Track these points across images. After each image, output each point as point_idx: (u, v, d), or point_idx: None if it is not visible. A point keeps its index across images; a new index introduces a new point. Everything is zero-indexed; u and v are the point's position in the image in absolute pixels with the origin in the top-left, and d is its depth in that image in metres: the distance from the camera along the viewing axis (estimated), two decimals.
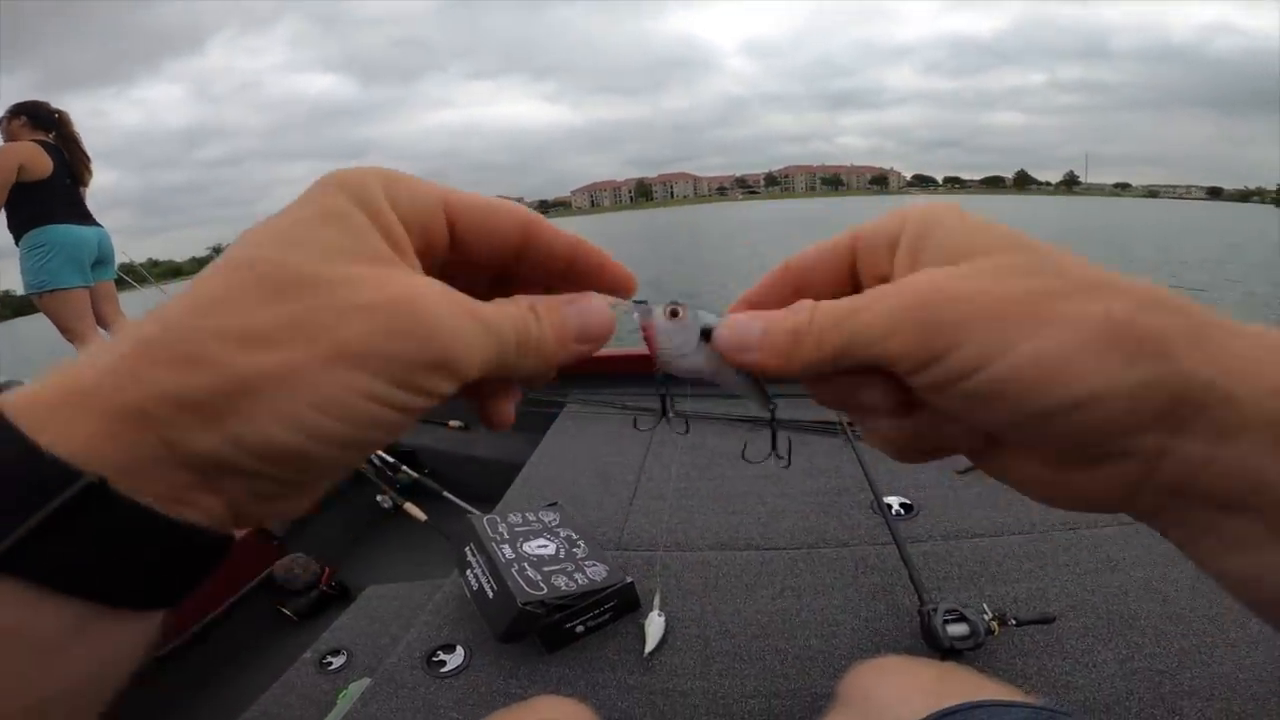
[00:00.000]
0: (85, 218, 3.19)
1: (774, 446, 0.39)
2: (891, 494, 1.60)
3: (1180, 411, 0.20)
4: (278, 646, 1.82)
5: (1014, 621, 1.01)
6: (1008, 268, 0.23)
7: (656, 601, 1.29)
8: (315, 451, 0.21)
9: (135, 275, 3.78)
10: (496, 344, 0.24)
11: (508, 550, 1.28)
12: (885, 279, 0.26)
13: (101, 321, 3.29)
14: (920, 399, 0.26)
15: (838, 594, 1.29)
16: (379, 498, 2.17)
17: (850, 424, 1.55)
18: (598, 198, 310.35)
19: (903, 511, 1.54)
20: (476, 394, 0.30)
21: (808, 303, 0.27)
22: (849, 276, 0.29)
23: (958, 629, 1.00)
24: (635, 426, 1.60)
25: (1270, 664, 1.00)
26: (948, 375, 0.23)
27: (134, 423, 0.19)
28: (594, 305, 0.28)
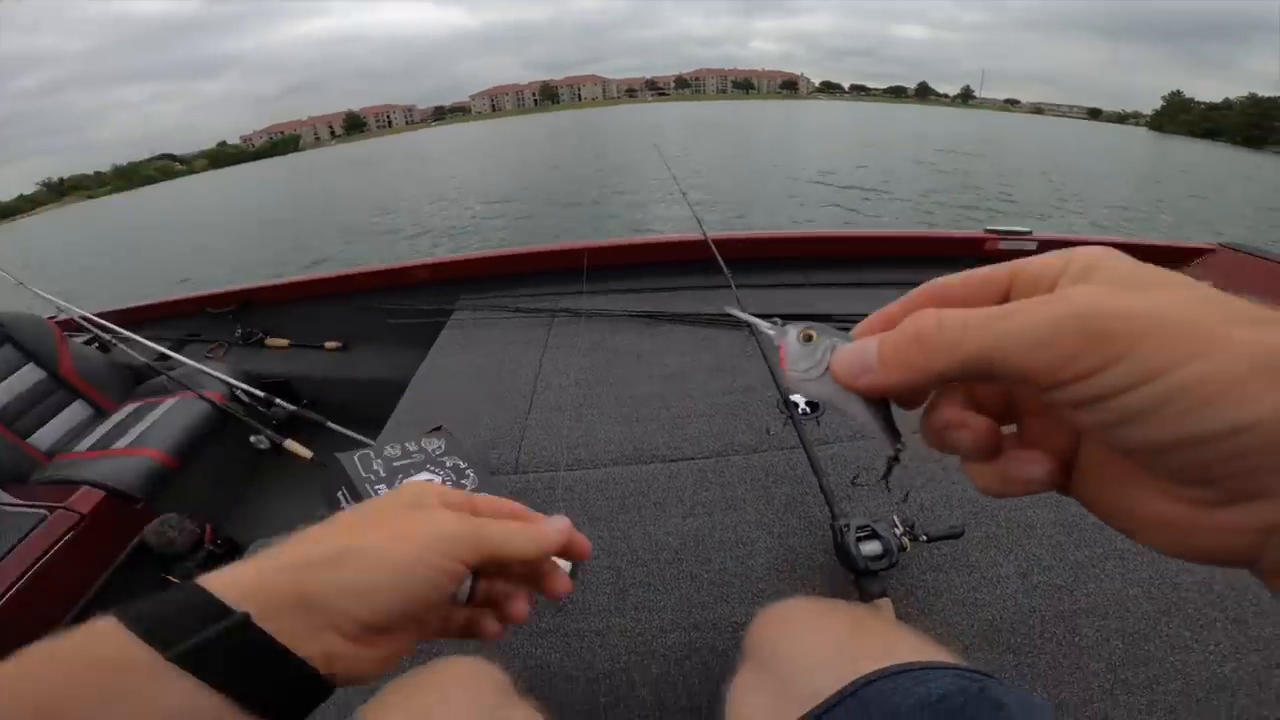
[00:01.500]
0: None
1: (887, 480, 0.37)
2: (797, 392, 1.51)
3: None
4: None
5: (925, 537, 0.99)
6: (1180, 293, 0.22)
7: None
8: (381, 590, 0.34)
9: None
10: (499, 528, 0.39)
11: (384, 491, 1.13)
12: None
13: None
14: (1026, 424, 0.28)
15: (750, 508, 1.24)
16: (253, 439, 1.90)
17: (754, 318, 1.42)
18: (499, 102, 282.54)
19: (809, 410, 1.47)
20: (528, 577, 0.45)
21: (931, 310, 0.25)
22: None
23: (871, 547, 0.97)
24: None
25: (1156, 580, 1.04)
26: (1100, 391, 0.21)
27: (280, 575, 0.33)
28: (556, 518, 0.44)
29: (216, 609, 0.30)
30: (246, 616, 0.30)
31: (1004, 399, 0.30)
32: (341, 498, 1.15)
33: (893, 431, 0.30)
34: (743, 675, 0.67)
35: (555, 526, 0.42)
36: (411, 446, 1.26)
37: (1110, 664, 0.92)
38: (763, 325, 0.33)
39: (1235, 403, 0.19)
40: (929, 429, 0.29)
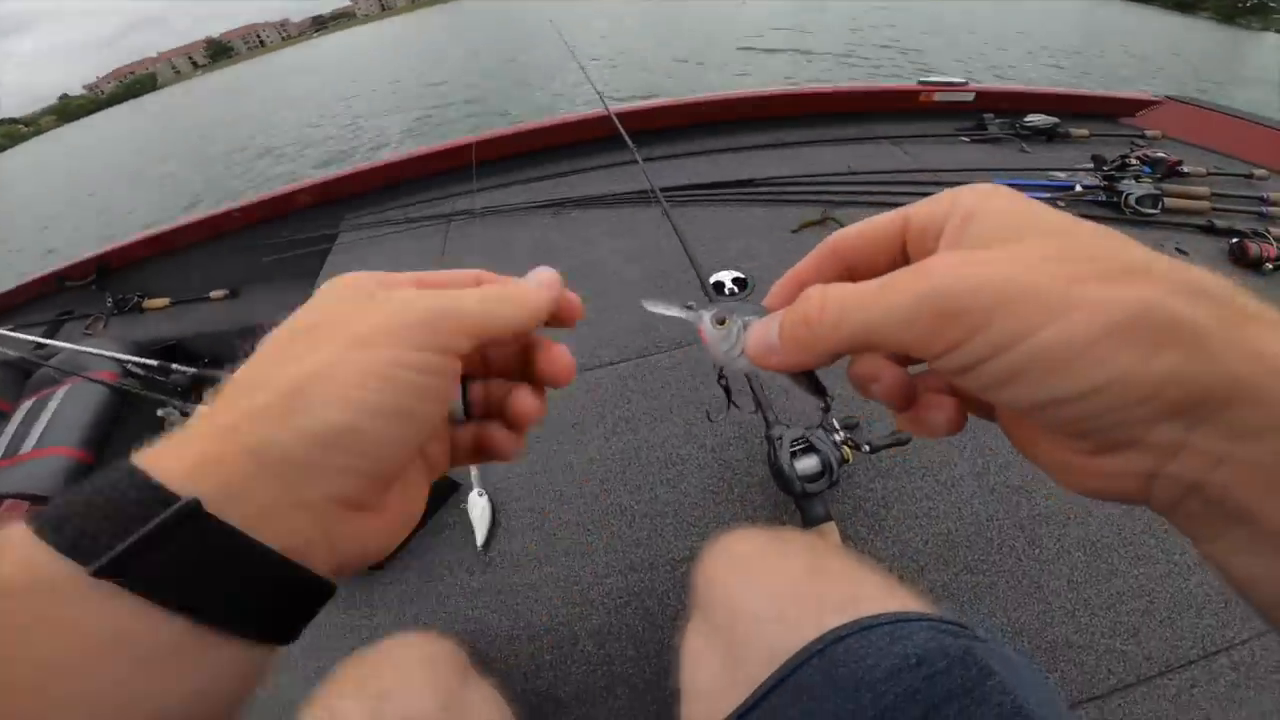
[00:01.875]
0: None
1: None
2: (721, 270, 1.41)
3: (1202, 406, 0.20)
4: None
5: (868, 448, 0.89)
6: (1038, 253, 0.22)
7: (474, 476, 1.08)
8: (366, 425, 0.25)
9: None
10: (479, 298, 0.29)
11: None
12: None
13: None
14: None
15: (677, 417, 1.14)
16: (160, 412, 1.70)
17: (661, 191, 1.31)
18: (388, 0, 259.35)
19: (737, 289, 1.37)
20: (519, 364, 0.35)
21: (818, 288, 0.27)
22: (901, 259, 0.29)
23: (807, 464, 0.87)
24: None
25: None
26: (965, 361, 0.22)
27: (227, 439, 0.23)
28: (539, 269, 0.33)
29: (157, 498, 0.22)
30: (195, 504, 0.22)
31: None
32: None
33: (818, 391, 0.33)
34: (692, 628, 0.61)
35: (540, 280, 0.32)
36: None
37: (1071, 580, 0.88)
38: (678, 313, 0.34)
39: (1087, 366, 0.20)
40: (851, 381, 0.30)
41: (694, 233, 1.23)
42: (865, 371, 0.29)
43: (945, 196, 0.27)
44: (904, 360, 0.29)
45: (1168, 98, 2.21)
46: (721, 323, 0.32)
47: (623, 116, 1.58)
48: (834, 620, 0.46)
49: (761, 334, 0.29)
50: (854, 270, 0.30)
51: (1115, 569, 0.89)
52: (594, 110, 1.90)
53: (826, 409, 0.35)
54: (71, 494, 0.22)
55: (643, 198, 1.74)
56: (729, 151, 2.02)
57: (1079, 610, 0.86)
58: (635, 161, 1.40)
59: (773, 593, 0.55)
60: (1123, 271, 0.21)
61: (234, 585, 0.23)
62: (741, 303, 0.32)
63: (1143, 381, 0.20)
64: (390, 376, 0.25)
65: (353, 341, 0.25)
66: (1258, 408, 0.19)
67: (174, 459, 0.23)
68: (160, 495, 0.22)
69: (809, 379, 0.32)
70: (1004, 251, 0.23)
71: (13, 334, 2.01)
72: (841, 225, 1.39)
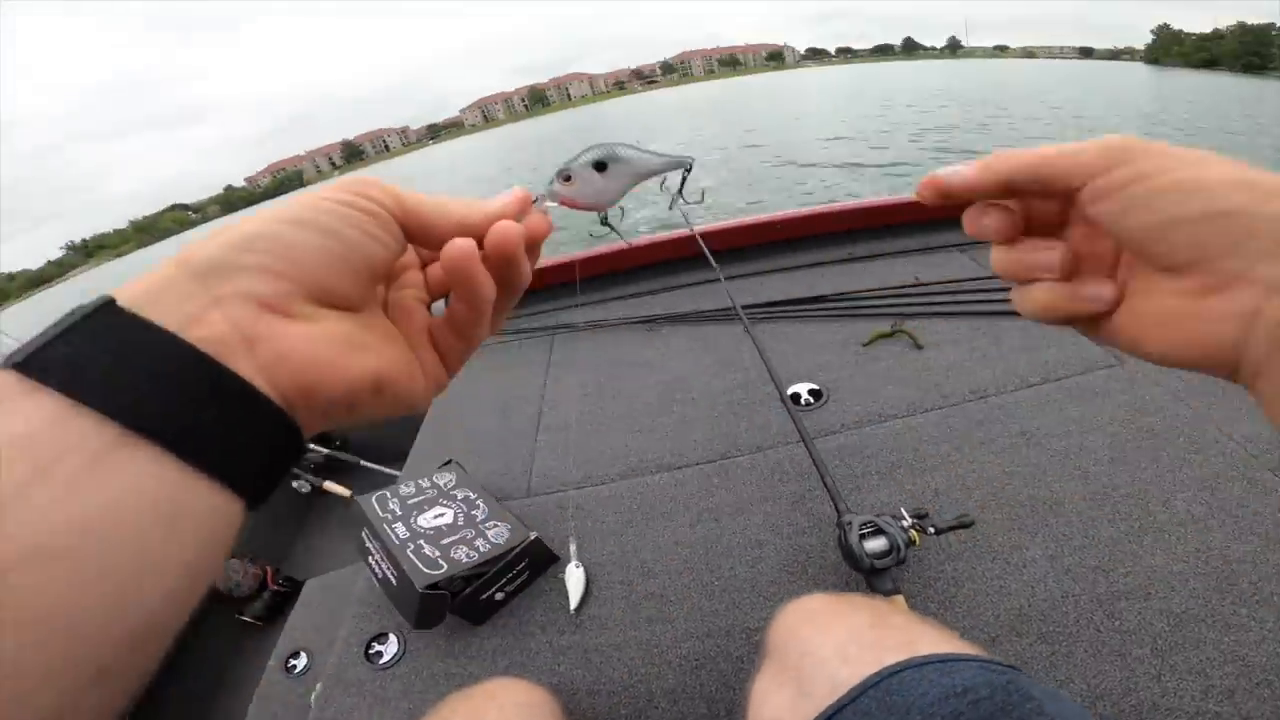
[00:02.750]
0: None
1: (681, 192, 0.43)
2: (798, 381, 1.53)
3: None
4: (249, 654, 1.70)
5: (933, 530, 0.96)
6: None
7: (573, 551, 1.21)
8: (278, 230, 0.27)
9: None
10: (428, 196, 0.31)
11: (401, 529, 1.17)
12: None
13: None
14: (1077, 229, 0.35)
15: (756, 511, 1.24)
16: (294, 484, 2.02)
17: (743, 308, 1.44)
18: (490, 112, 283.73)
19: (812, 400, 1.48)
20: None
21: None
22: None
23: (875, 545, 0.95)
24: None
25: (1203, 553, 0.97)
26: (1116, 182, 0.29)
27: (169, 262, 0.25)
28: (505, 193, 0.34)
29: (86, 307, 0.22)
30: (108, 299, 0.22)
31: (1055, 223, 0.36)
32: (366, 538, 1.20)
33: (677, 161, 0.39)
34: (763, 673, 0.67)
35: (500, 195, 0.34)
36: (425, 483, 1.31)
37: (1156, 649, 0.86)
38: (542, 203, 0.36)
39: (1212, 197, 0.26)
40: (998, 263, 0.37)
41: (772, 346, 1.34)
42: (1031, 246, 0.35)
43: (1086, 146, 0.32)
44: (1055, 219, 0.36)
45: None
46: (568, 179, 0.35)
47: (706, 236, 1.75)
48: (891, 659, 0.51)
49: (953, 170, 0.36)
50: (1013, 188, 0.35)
51: (1204, 638, 0.86)
52: (680, 230, 2.08)
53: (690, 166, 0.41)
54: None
55: (726, 314, 1.86)
56: (805, 268, 2.13)
57: (1165, 675, 0.83)
58: (718, 279, 1.56)
59: (838, 639, 0.60)
60: (1245, 170, 0.27)
61: (146, 379, 0.21)
62: (564, 168, 0.36)
63: (1256, 216, 0.25)
64: (308, 203, 0.28)
65: (296, 197, 0.28)
66: None
67: (128, 286, 0.24)
68: (90, 305, 0.22)
69: (664, 158, 0.39)
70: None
71: None
72: (913, 337, 1.51)
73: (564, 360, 1.93)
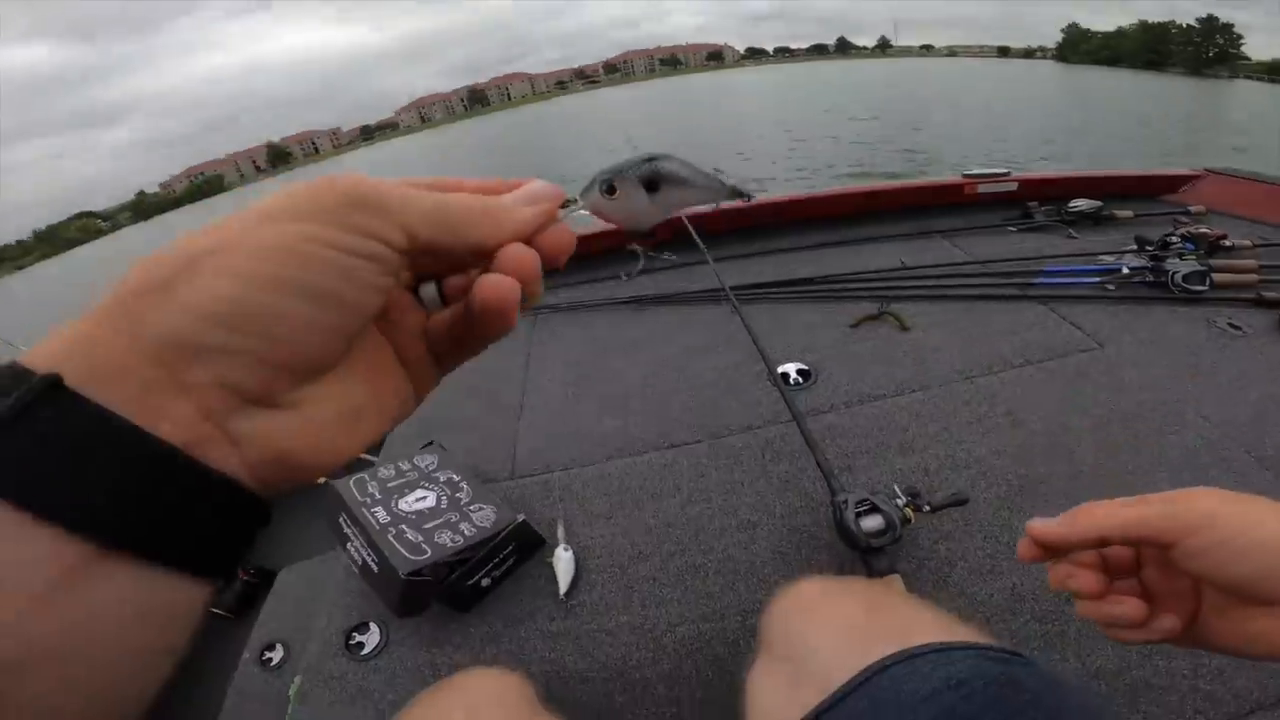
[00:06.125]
0: None
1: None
2: (787, 361, 1.54)
3: None
4: (221, 648, 1.58)
5: (928, 507, 0.96)
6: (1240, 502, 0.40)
7: (561, 534, 1.18)
8: (258, 298, 0.21)
9: None
10: (438, 203, 0.25)
11: (381, 514, 1.11)
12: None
13: None
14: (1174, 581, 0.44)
15: (748, 490, 1.23)
16: None
17: (733, 289, 1.45)
18: (427, 113, 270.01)
19: (801, 380, 1.49)
20: (453, 268, 0.29)
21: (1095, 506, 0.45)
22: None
23: (871, 523, 0.94)
24: None
25: None
26: (1208, 543, 0.38)
27: (105, 318, 0.20)
28: (535, 182, 0.29)
29: (14, 375, 0.18)
30: (54, 378, 0.18)
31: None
32: (344, 523, 1.13)
33: (727, 187, 0.32)
34: (758, 664, 0.66)
35: (532, 194, 0.29)
36: (405, 465, 1.25)
37: None
38: (575, 210, 0.31)
39: (1260, 555, 0.37)
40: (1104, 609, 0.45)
41: (760, 327, 1.35)
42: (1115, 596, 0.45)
43: (1179, 502, 0.41)
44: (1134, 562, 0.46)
45: (1206, 170, 2.24)
46: (612, 191, 0.31)
47: (692, 218, 1.74)
48: (884, 650, 0.50)
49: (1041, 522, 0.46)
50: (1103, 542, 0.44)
51: None
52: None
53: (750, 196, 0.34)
54: None
55: (713, 296, 1.87)
56: (791, 251, 2.16)
57: (1157, 655, 0.86)
58: (706, 262, 1.56)
59: (832, 628, 0.59)
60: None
61: (113, 485, 0.18)
62: (618, 165, 0.31)
63: None
64: (296, 250, 0.22)
65: (261, 215, 0.22)
66: None
67: (47, 343, 0.19)
68: (16, 372, 0.18)
69: (716, 180, 0.33)
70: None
71: None
72: (899, 319, 1.60)
73: (547, 340, 1.89)
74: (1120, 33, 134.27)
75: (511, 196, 0.28)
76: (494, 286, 0.26)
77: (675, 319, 1.88)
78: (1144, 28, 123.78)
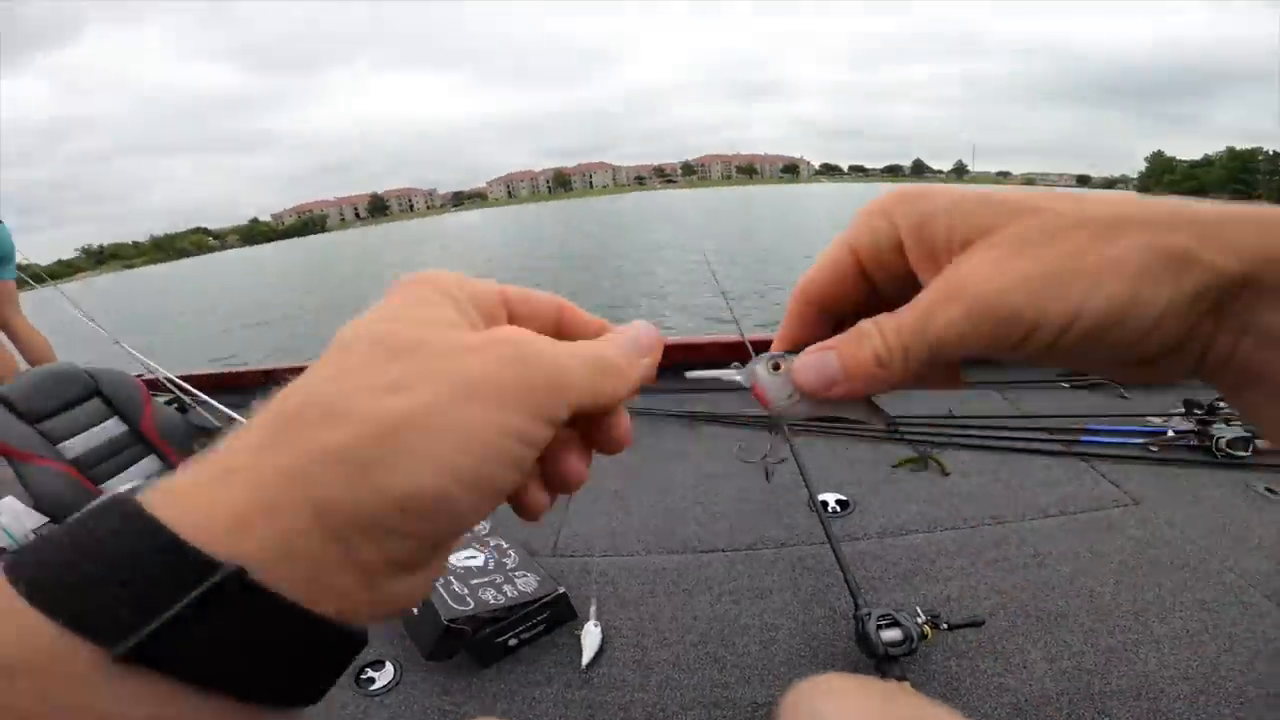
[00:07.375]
0: None
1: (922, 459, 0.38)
2: (829, 490, 1.61)
3: (1224, 304, 0.23)
4: None
5: (946, 626, 1.02)
6: (1034, 239, 0.24)
7: (593, 611, 1.25)
8: (457, 494, 0.21)
9: (33, 275, 3.44)
10: (587, 367, 0.25)
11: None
12: (905, 278, 0.28)
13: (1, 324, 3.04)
14: None
15: (775, 597, 1.28)
16: None
17: (716, 372, 1.52)
18: (515, 188, 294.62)
19: (839, 509, 1.56)
20: (582, 425, 0.29)
21: (868, 325, 0.28)
22: (863, 281, 0.30)
23: (891, 634, 1.00)
24: None
25: (1194, 662, 1.03)
26: (1036, 347, 0.25)
27: (285, 486, 0.19)
28: (639, 325, 0.30)
29: (188, 560, 0.18)
30: (238, 572, 0.18)
31: None
32: None
33: (877, 412, 0.32)
34: None
35: (640, 343, 0.29)
36: None
37: None
38: (727, 374, 0.33)
39: (1139, 312, 0.24)
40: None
41: (807, 457, 1.46)
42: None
43: (872, 215, 0.29)
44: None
45: None
46: (776, 368, 0.31)
47: (755, 343, 1.88)
48: None
49: (820, 367, 0.29)
50: (827, 308, 0.31)
51: None
52: (731, 335, 2.22)
53: (893, 426, 0.33)
54: (62, 546, 0.18)
55: (765, 421, 1.97)
56: None
57: None
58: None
59: (848, 712, 0.62)
60: (1113, 224, 0.24)
61: (280, 658, 0.20)
62: (779, 354, 0.32)
63: (1183, 305, 0.23)
64: (494, 443, 0.21)
65: (461, 388, 0.21)
66: (1261, 292, 0.22)
67: (207, 504, 0.19)
68: (192, 558, 0.18)
69: (867, 401, 0.32)
70: (1003, 250, 0.25)
71: (217, 404, 2.39)
72: (940, 464, 1.70)
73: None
74: (1207, 161, 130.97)
75: (627, 346, 0.28)
76: (627, 433, 0.29)
77: (728, 437, 2.00)
78: (1231, 155, 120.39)
